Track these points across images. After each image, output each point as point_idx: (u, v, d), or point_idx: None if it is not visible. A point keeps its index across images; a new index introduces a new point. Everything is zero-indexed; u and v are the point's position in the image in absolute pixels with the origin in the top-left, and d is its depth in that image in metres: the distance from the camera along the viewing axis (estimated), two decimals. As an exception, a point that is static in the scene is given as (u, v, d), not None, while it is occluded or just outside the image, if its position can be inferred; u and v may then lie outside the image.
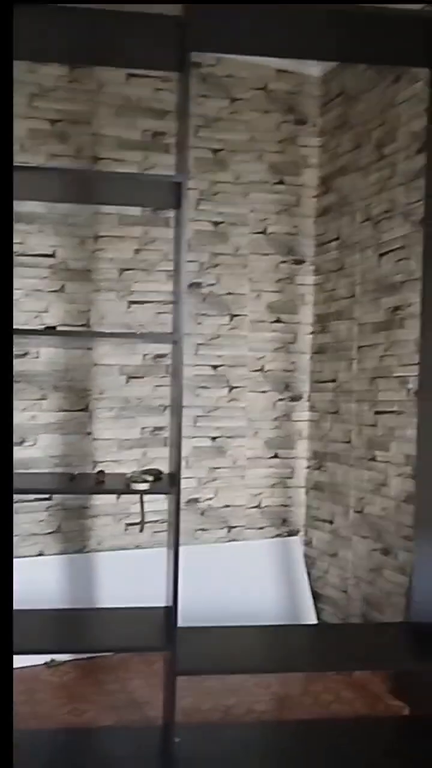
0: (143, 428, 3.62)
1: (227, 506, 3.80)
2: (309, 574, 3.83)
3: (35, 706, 2.84)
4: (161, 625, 2.41)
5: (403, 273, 3.20)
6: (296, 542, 3.88)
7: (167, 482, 2.39)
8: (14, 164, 3.32)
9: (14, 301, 3.38)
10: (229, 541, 3.80)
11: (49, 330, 2.55)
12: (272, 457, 3.87)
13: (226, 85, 3.70)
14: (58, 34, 2.30)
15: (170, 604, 2.29)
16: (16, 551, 3.39)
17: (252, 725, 2.73)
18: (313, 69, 3.82)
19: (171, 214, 3.61)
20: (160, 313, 3.61)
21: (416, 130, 3.13)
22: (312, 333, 3.90)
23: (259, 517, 3.86)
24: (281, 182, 3.82)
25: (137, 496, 3.59)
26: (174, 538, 2.26)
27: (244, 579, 3.62)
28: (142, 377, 3.61)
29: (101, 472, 2.43)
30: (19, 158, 3.36)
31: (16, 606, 3.05)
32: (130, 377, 3.59)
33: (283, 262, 3.85)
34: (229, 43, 2.42)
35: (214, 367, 3.75)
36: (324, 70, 3.81)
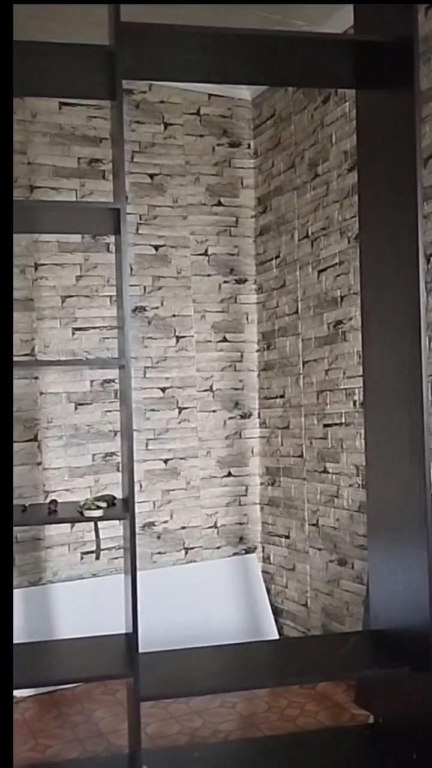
0: (94, 455, 3.60)
1: (183, 528, 3.79)
2: (268, 590, 3.85)
3: (-3, 745, 2.77)
4: (122, 652, 2.39)
5: (342, 288, 3.27)
6: (254, 559, 3.89)
7: (121, 507, 2.38)
8: None
9: None
10: (188, 562, 3.79)
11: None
12: (226, 476, 3.89)
13: (159, 110, 3.75)
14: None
15: (130, 630, 2.28)
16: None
17: (219, 746, 2.71)
18: (244, 92, 3.90)
19: (111, 239, 3.63)
20: (105, 338, 3.61)
21: (346, 149, 3.22)
22: (258, 350, 3.95)
23: (216, 536, 3.87)
24: (219, 203, 3.88)
25: (92, 524, 3.57)
26: (131, 564, 2.25)
27: (204, 599, 3.61)
28: (91, 403, 3.59)
29: (53, 501, 2.41)
30: None
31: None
32: (78, 404, 3.57)
33: (226, 282, 3.90)
34: (160, 71, 2.47)
35: (163, 389, 3.76)
36: (254, 93, 3.90)
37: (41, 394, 3.50)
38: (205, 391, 3.85)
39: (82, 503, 2.35)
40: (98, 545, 2.50)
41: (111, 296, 3.61)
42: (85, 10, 2.97)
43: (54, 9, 3.00)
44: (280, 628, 3.76)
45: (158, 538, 3.73)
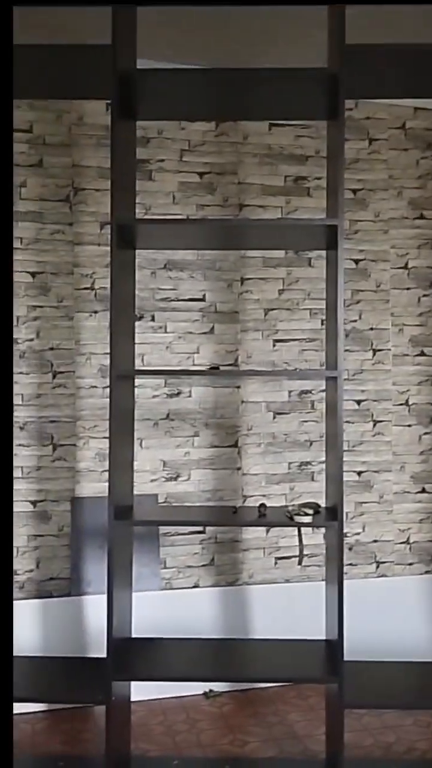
0: (290, 463, 3.69)
1: (375, 541, 3.78)
2: (462, 612, 3.73)
3: (198, 734, 2.92)
4: (323, 657, 2.44)
5: None
6: (448, 579, 3.79)
7: (325, 515, 2.44)
8: (166, 217, 3.53)
9: (168, 345, 3.57)
10: (378, 576, 3.77)
11: (200, 370, 2.69)
12: (420, 492, 3.83)
13: (365, 126, 3.79)
14: (207, 94, 2.47)
15: (334, 637, 2.33)
16: (173, 582, 3.53)
17: (415, 764, 2.68)
18: (451, 104, 3.85)
19: (313, 254, 3.71)
20: (304, 350, 3.69)
21: None
22: (457, 366, 3.86)
23: (408, 553, 3.82)
24: (422, 216, 3.84)
25: (287, 530, 3.67)
26: (339, 571, 2.30)
27: (394, 615, 3.57)
28: (289, 413, 3.69)
29: (263, 505, 2.51)
30: (170, 210, 3.57)
31: (174, 634, 3.17)
32: (277, 413, 3.68)
33: (426, 295, 3.85)
34: (380, 89, 2.52)
35: (358, 402, 3.78)
36: (462, 104, 3.83)
37: (242, 402, 3.64)
38: (401, 405, 3.82)
39: (290, 509, 2.43)
40: (301, 551, 2.57)
41: (311, 309, 3.69)
42: (301, 31, 3.07)
43: (271, 33, 3.13)
44: (474, 653, 3.64)
45: (350, 549, 3.75)
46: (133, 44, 2.52)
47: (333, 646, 2.37)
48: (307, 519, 2.34)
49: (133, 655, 2.49)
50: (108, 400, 2.79)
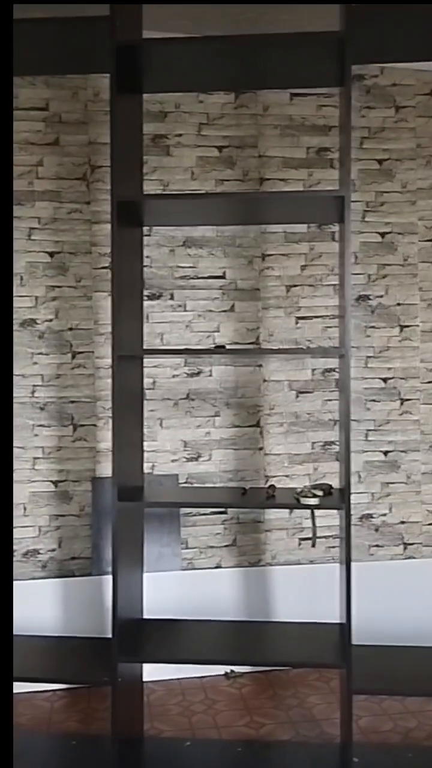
0: (314, 443, 3.62)
1: (402, 522, 3.69)
2: None
3: (215, 716, 2.91)
4: (336, 642, 2.39)
5: None
6: None
7: (338, 497, 2.37)
8: (185, 192, 3.48)
9: (188, 323, 3.52)
10: (406, 558, 3.69)
11: (220, 348, 2.63)
12: (450, 472, 3.73)
13: (391, 94, 3.65)
14: (223, 64, 2.38)
15: (344, 620, 2.27)
16: (195, 563, 3.51)
17: (434, 751, 2.62)
18: None
19: (336, 228, 3.60)
20: (327, 327, 3.61)
21: None
22: None
23: (438, 534, 3.72)
24: (451, 187, 3.69)
25: (310, 511, 3.61)
26: (346, 554, 2.24)
27: (421, 598, 3.49)
28: (312, 392, 3.61)
29: (272, 486, 2.46)
30: (189, 186, 3.51)
31: (194, 615, 3.16)
32: (300, 392, 3.61)
33: (456, 269, 3.71)
34: (390, 53, 2.39)
35: (385, 379, 3.67)
36: None
37: (264, 381, 3.58)
38: (429, 382, 3.70)
39: (299, 490, 2.38)
40: (314, 533, 2.51)
41: (334, 285, 3.60)
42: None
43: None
44: None
45: (376, 530, 3.67)
46: (137, 15, 2.45)
47: (342, 630, 2.31)
48: (314, 501, 2.29)
49: (144, 636, 2.48)
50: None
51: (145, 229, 3.24)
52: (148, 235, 3.45)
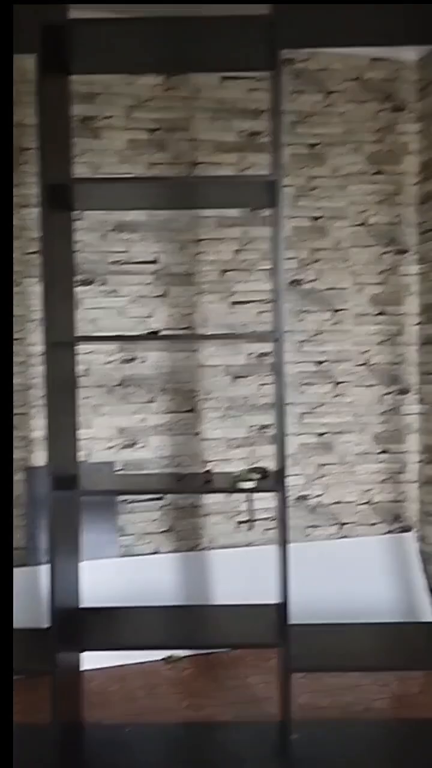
0: (250, 427, 3.65)
1: (337, 503, 3.77)
2: (425, 570, 3.74)
3: (156, 700, 2.92)
4: (274, 622, 2.43)
5: None
6: (410, 539, 3.80)
7: (273, 480, 2.40)
8: (116, 176, 3.43)
9: (120, 309, 3.49)
10: (341, 537, 3.77)
11: (154, 335, 2.62)
12: (381, 452, 3.81)
13: (320, 78, 3.67)
14: (152, 45, 2.35)
15: (281, 600, 2.31)
16: (133, 549, 3.50)
17: (371, 723, 2.70)
18: (410, 53, 3.72)
19: (268, 212, 3.62)
20: (262, 312, 3.63)
21: None
22: (419, 324, 3.81)
23: (371, 513, 3.81)
24: (380, 172, 3.75)
25: (247, 495, 3.64)
26: (282, 535, 2.27)
27: (357, 576, 3.58)
28: (247, 376, 3.63)
29: (208, 471, 2.47)
30: (119, 169, 3.46)
31: (133, 602, 3.15)
32: (236, 377, 3.62)
33: (386, 252, 3.78)
34: (320, 37, 2.40)
35: (318, 363, 3.72)
36: (422, 53, 3.71)
37: (200, 366, 3.58)
38: (362, 365, 3.78)
39: (236, 474, 2.39)
40: (251, 516, 2.54)
41: (268, 270, 3.62)
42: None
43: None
44: (436, 611, 3.66)
45: (312, 511, 3.73)
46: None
47: (279, 610, 2.35)
48: (251, 484, 2.31)
49: (83, 625, 2.47)
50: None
51: (76, 213, 3.19)
52: (79, 220, 3.40)
